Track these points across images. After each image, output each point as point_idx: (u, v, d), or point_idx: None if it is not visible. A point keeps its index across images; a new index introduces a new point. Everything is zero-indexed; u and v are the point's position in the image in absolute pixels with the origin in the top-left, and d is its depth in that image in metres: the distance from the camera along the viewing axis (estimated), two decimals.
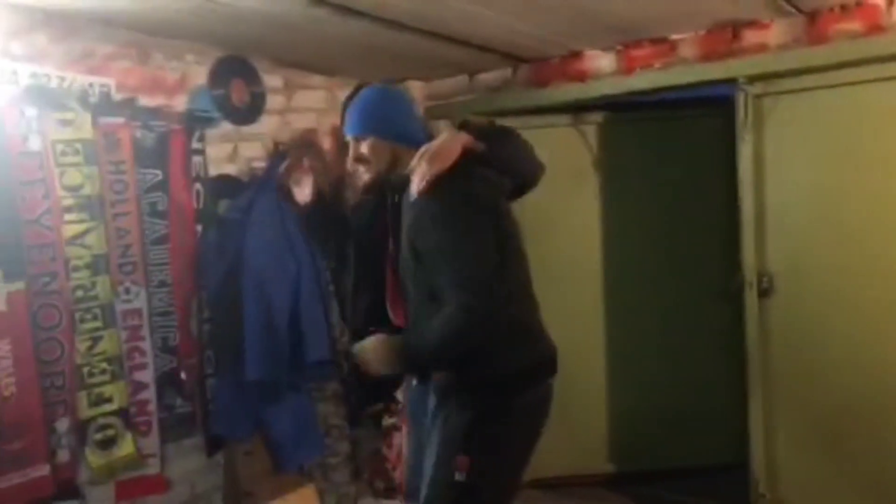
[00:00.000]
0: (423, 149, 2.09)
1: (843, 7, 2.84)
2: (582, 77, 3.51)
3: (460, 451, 2.03)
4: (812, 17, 2.92)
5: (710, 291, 3.82)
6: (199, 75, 3.08)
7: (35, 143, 2.49)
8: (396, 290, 2.28)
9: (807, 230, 3.12)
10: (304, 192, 2.63)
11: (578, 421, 3.82)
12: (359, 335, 2.25)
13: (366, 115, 2.22)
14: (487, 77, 3.79)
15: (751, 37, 3.06)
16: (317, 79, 3.61)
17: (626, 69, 3.38)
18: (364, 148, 2.20)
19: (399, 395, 3.78)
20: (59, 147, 2.54)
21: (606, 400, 4.03)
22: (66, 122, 2.56)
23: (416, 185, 2.06)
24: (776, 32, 3.01)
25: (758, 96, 3.14)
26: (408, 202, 2.14)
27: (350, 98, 2.32)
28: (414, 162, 2.09)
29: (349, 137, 2.24)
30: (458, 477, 2.01)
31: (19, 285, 2.42)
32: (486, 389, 2.06)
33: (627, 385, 4.01)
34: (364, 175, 2.24)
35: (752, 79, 3.10)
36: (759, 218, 3.20)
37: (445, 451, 2.06)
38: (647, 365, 3.97)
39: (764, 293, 3.21)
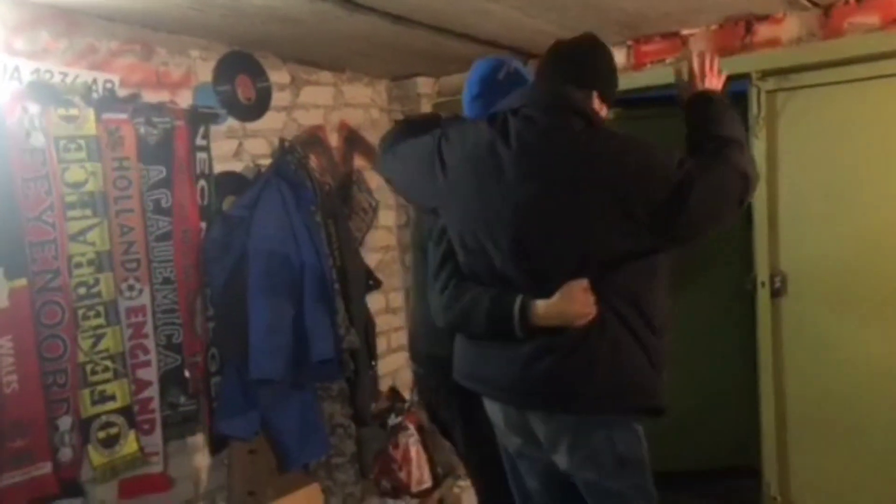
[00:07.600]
0: None
1: (859, 0, 2.78)
2: None
3: None
4: (827, 10, 2.86)
5: (727, 292, 3.74)
6: (204, 71, 3.06)
7: (38, 140, 2.47)
8: None
9: (821, 229, 3.05)
10: None
11: None
12: None
13: None
14: None
15: (764, 31, 2.99)
16: (324, 75, 3.59)
17: (637, 65, 3.33)
18: None
19: (407, 394, 3.77)
20: (62, 143, 2.53)
21: None
22: (69, 119, 2.55)
23: None
24: (790, 27, 2.94)
25: (771, 92, 3.07)
26: None
27: None
28: None
29: None
30: None
31: (21, 282, 2.42)
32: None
33: None
34: None
35: (765, 74, 3.03)
36: (771, 216, 3.12)
37: None
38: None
39: (776, 293, 3.15)
